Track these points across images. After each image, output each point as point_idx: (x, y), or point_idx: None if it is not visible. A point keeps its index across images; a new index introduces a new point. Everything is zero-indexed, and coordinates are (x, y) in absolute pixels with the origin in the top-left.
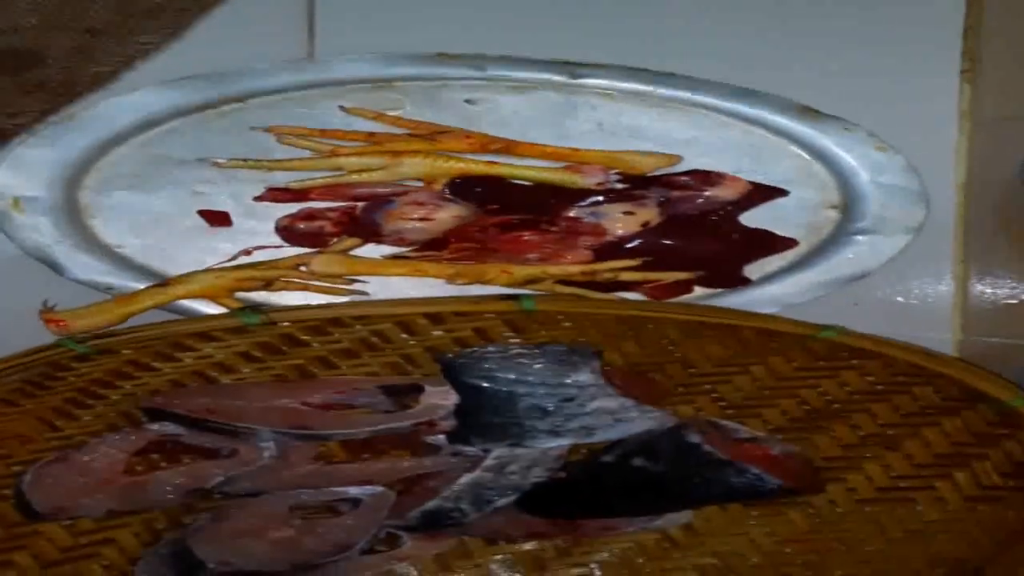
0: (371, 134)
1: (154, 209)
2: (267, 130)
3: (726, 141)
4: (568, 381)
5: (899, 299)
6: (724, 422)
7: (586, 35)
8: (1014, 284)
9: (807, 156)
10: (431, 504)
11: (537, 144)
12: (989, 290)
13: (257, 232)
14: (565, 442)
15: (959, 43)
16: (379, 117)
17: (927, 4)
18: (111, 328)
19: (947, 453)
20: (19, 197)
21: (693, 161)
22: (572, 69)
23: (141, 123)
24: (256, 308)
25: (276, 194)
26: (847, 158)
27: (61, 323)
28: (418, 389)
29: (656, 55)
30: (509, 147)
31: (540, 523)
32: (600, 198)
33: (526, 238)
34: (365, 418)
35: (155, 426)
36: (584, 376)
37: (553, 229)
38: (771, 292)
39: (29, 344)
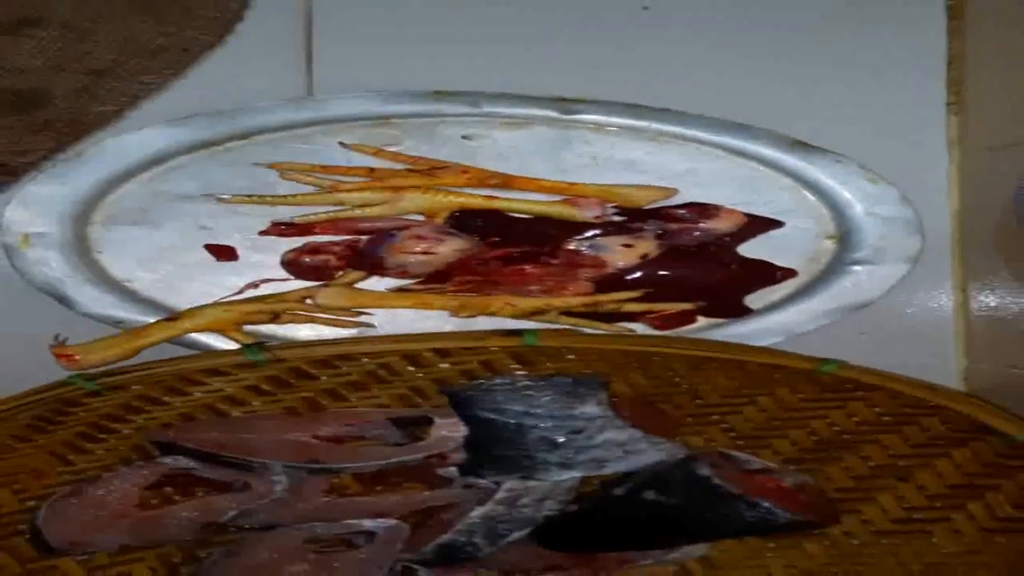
0: (371, 169)
1: (161, 243)
2: (270, 166)
3: (721, 173)
4: (576, 413)
5: (903, 327)
6: (736, 453)
7: (580, 71)
8: (1014, 309)
9: (801, 188)
10: (445, 538)
11: (534, 178)
12: (989, 315)
13: (263, 266)
14: (576, 474)
15: (944, 74)
16: (379, 153)
17: (911, 37)
18: (120, 365)
19: (960, 484)
20: (28, 233)
21: (689, 193)
22: (566, 105)
23: (147, 160)
24: (261, 345)
25: (280, 229)
26: (841, 190)
27: (72, 357)
28: (428, 421)
29: (649, 90)
30: (506, 181)
31: (556, 556)
32: (598, 231)
33: (527, 271)
34: (376, 450)
35: (168, 460)
36: (591, 408)
37: (554, 262)
38: (776, 321)
39: (42, 376)
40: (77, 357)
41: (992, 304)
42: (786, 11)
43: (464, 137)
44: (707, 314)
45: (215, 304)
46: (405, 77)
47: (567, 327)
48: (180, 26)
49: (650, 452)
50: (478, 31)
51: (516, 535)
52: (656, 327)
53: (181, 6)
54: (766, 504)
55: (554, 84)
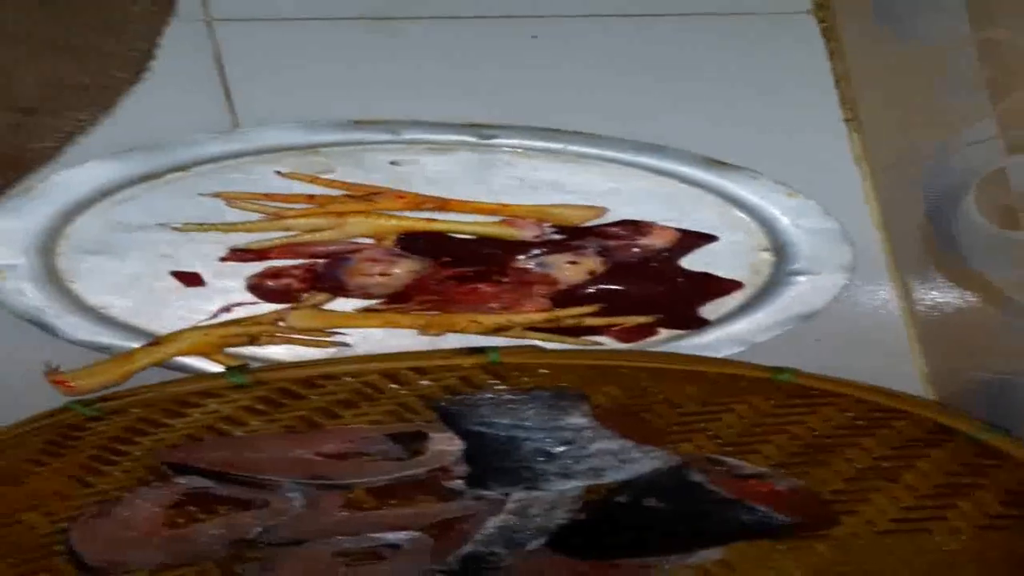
0: (311, 196)
1: (129, 272)
2: (215, 195)
3: (645, 192)
4: (562, 424)
5: (858, 332)
6: (726, 459)
7: (495, 99)
8: (954, 311)
9: (725, 204)
10: (467, 549)
11: (469, 200)
12: (936, 318)
13: (231, 290)
14: (577, 483)
15: (835, 93)
16: (315, 180)
17: (798, 57)
18: (113, 390)
19: (945, 483)
20: (0, 266)
21: (618, 211)
22: (480, 131)
23: (96, 192)
24: (243, 368)
25: (239, 255)
26: (764, 205)
27: (67, 384)
28: (423, 436)
29: (563, 114)
30: (443, 204)
31: (580, 564)
32: (541, 250)
33: (482, 289)
34: (379, 466)
35: (183, 480)
36: (576, 419)
37: (505, 280)
38: (735, 331)
39: (39, 403)
40: (72, 384)
41: (936, 306)
42: (680, 34)
43: (392, 163)
44: (667, 326)
45: (194, 328)
46: (322, 107)
47: (530, 343)
48: (99, 64)
49: (644, 460)
50: (388, 60)
51: (534, 543)
52: (620, 340)
53: (92, 46)
54: (762, 508)
55: (471, 110)
